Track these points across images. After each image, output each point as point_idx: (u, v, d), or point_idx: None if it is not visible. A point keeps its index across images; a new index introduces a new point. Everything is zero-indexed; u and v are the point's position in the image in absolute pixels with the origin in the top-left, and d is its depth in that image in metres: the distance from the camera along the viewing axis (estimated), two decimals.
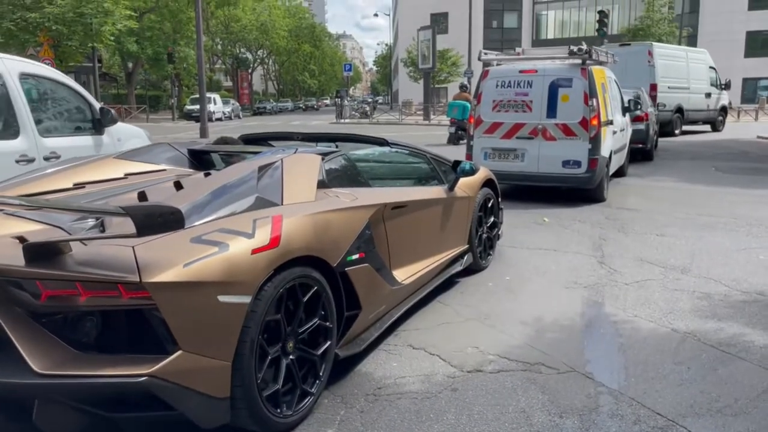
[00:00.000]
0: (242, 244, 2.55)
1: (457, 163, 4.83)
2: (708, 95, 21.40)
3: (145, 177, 3.69)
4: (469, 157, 9.08)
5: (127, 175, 3.70)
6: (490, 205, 5.49)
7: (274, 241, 2.67)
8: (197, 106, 30.85)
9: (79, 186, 3.41)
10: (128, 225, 2.25)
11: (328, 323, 3.07)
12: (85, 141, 6.08)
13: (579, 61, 8.53)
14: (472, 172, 4.82)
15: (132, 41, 38.93)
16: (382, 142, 4.44)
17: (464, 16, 40.44)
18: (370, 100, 52.78)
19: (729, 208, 8.22)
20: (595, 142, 8.33)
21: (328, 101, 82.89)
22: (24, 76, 5.46)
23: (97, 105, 6.40)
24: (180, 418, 2.37)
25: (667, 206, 8.47)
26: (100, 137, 6.31)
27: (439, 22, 54.17)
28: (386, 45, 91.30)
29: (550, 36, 61.19)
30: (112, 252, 2.27)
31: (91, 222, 2.67)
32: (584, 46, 8.53)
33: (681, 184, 10.60)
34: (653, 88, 17.94)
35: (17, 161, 5.14)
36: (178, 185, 3.21)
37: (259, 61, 69.09)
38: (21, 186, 3.30)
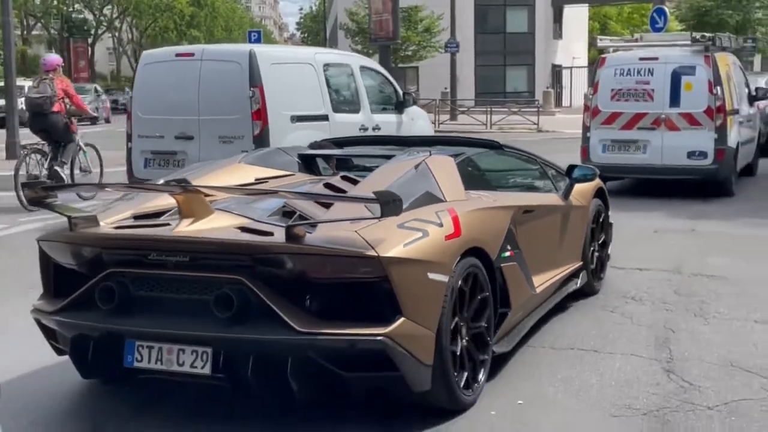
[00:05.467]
0: (437, 231, 3.04)
1: (572, 167, 4.65)
2: None
3: (280, 181, 3.87)
4: (585, 150, 9.03)
5: (258, 180, 3.84)
6: (601, 219, 5.19)
7: (457, 231, 3.13)
8: (2, 101, 16.70)
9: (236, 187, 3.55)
10: (345, 210, 2.94)
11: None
12: (392, 118, 8.22)
13: (702, 47, 8.64)
14: (592, 177, 4.68)
15: None
16: (493, 145, 4.53)
17: None
18: None
19: None
20: (722, 132, 8.29)
21: None
22: (362, 68, 7.99)
23: (401, 90, 8.60)
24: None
25: None
26: (401, 116, 8.33)
27: None
28: None
29: None
30: (343, 234, 2.79)
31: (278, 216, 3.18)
32: (708, 34, 8.96)
33: None
34: None
35: (359, 129, 7.35)
36: (350, 180, 3.50)
37: (105, 25, 45.19)
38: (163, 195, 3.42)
